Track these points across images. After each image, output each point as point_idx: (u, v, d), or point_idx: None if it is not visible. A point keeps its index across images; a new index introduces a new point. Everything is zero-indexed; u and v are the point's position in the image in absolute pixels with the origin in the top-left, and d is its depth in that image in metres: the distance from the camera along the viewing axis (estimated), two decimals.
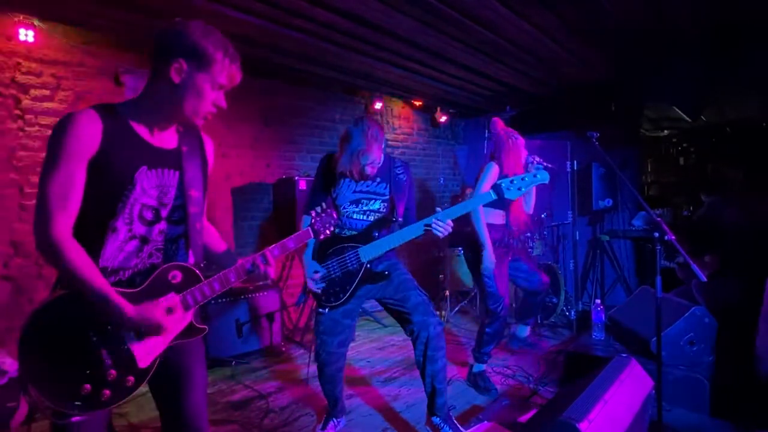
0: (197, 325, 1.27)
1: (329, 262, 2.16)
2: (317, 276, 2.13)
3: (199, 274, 1.26)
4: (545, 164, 2.88)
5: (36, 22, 2.88)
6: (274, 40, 3.33)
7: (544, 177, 2.02)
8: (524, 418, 2.43)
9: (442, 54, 3.77)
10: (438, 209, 2.00)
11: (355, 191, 2.21)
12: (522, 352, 3.56)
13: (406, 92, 5.07)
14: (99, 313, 1.09)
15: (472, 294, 4.76)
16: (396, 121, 5.50)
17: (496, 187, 1.98)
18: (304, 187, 3.96)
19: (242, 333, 3.51)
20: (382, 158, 2.24)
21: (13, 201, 2.92)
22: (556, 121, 5.09)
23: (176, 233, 1.28)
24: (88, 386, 1.08)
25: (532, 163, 2.85)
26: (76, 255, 1.06)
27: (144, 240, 1.21)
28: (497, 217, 2.91)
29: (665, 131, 4.92)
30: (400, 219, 2.21)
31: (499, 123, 2.98)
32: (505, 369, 3.22)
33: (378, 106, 5.04)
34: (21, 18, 2.81)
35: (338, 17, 3.00)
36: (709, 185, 4.19)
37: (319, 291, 2.15)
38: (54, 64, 3.05)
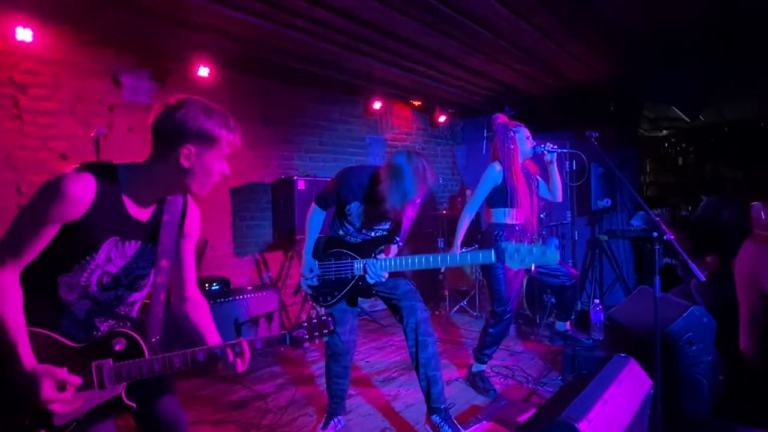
0: (126, 401, 1.19)
1: (327, 263, 2.18)
2: (311, 275, 2.16)
3: (144, 349, 1.20)
4: (558, 149, 2.88)
5: (34, 22, 2.87)
6: (273, 39, 3.32)
7: (552, 258, 1.93)
8: (523, 417, 2.43)
9: (441, 54, 3.77)
10: (453, 250, 2.08)
11: None
12: (529, 348, 3.56)
13: (405, 92, 5.07)
14: (2, 357, 1.07)
15: (471, 293, 4.76)
16: (395, 121, 5.50)
17: (499, 250, 1.95)
18: (303, 187, 3.95)
19: (241, 333, 3.51)
20: None
21: (10, 201, 2.92)
22: (554, 121, 5.09)
23: (134, 298, 1.28)
24: (26, 420, 1.09)
25: (543, 149, 2.82)
26: (11, 303, 1.07)
27: (96, 302, 1.20)
28: (521, 216, 2.82)
29: (664, 131, 4.93)
30: (400, 241, 2.27)
31: (500, 118, 2.90)
32: (504, 369, 3.22)
33: (377, 106, 5.04)
34: (20, 17, 2.80)
35: (337, 17, 2.99)
36: (708, 185, 4.20)
37: (312, 289, 2.18)
38: (52, 63, 3.04)
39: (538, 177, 2.98)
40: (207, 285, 3.38)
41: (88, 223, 1.13)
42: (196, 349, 1.22)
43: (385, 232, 2.26)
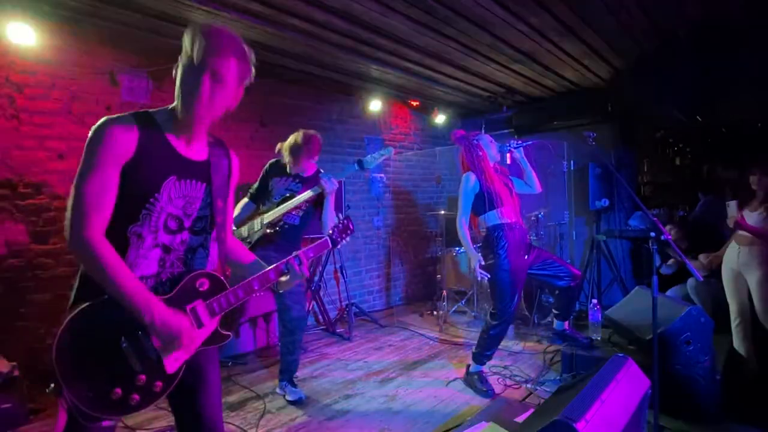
0: (222, 332, 1.29)
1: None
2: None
3: (225, 282, 1.28)
4: (523, 143, 3.03)
5: (31, 21, 2.85)
6: (270, 40, 3.32)
7: (387, 151, 2.58)
8: (521, 417, 2.43)
9: (439, 54, 3.77)
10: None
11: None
12: (527, 348, 3.56)
13: (403, 92, 5.07)
14: (129, 314, 1.10)
15: (470, 294, 4.76)
16: (393, 122, 5.50)
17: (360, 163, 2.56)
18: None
19: (239, 333, 3.50)
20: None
21: (7, 201, 2.90)
22: (552, 121, 5.10)
23: (197, 243, 1.30)
24: (118, 390, 1.11)
25: (509, 146, 2.98)
26: (110, 255, 1.09)
27: (166, 249, 1.22)
28: (510, 213, 2.86)
29: (661, 131, 4.94)
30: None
31: (457, 133, 3.05)
32: (502, 369, 3.23)
33: (375, 106, 5.04)
34: (16, 16, 2.79)
35: (335, 17, 2.99)
36: (705, 185, 4.22)
37: None
38: (49, 63, 3.03)
39: (509, 176, 3.05)
40: None
41: (143, 162, 1.14)
42: (266, 270, 1.36)
43: None
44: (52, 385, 1.07)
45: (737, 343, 2.97)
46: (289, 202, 2.58)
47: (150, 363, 1.16)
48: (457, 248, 4.76)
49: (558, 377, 3.03)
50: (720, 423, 2.39)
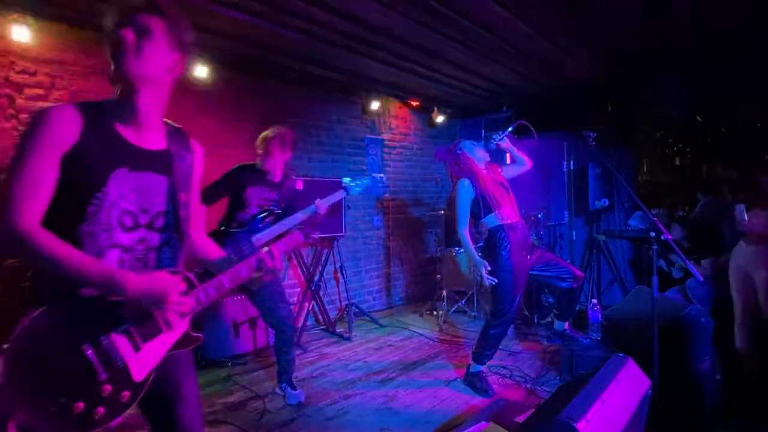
0: (192, 334, 1.22)
1: None
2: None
3: (194, 280, 1.21)
4: (505, 132, 3.02)
5: (31, 21, 2.85)
6: (271, 39, 3.32)
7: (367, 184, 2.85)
8: (521, 417, 2.43)
9: (439, 54, 3.77)
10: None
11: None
12: (527, 348, 3.56)
13: (403, 92, 5.07)
14: (99, 301, 1.03)
15: (470, 294, 4.76)
16: (393, 121, 5.50)
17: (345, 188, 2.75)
18: (301, 188, 3.94)
19: (239, 333, 3.50)
20: None
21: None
22: (552, 121, 5.09)
23: (160, 241, 1.21)
24: (81, 405, 1.01)
25: (494, 141, 2.97)
26: (51, 240, 1.00)
27: (125, 249, 1.14)
28: (509, 213, 2.86)
29: (661, 131, 4.94)
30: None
31: (438, 153, 3.09)
32: (502, 369, 3.23)
33: (375, 106, 5.03)
34: (15, 16, 2.79)
35: (335, 17, 2.99)
36: (704, 185, 4.22)
37: None
38: (49, 63, 3.03)
39: (502, 175, 3.04)
40: None
41: (86, 151, 1.06)
42: (237, 266, 1.27)
43: None
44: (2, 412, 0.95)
45: (739, 342, 2.97)
46: (284, 225, 2.62)
47: (115, 371, 1.06)
48: (456, 248, 4.76)
49: (558, 377, 3.03)
50: (720, 423, 2.39)
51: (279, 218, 2.69)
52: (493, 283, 2.76)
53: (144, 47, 1.10)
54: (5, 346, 0.96)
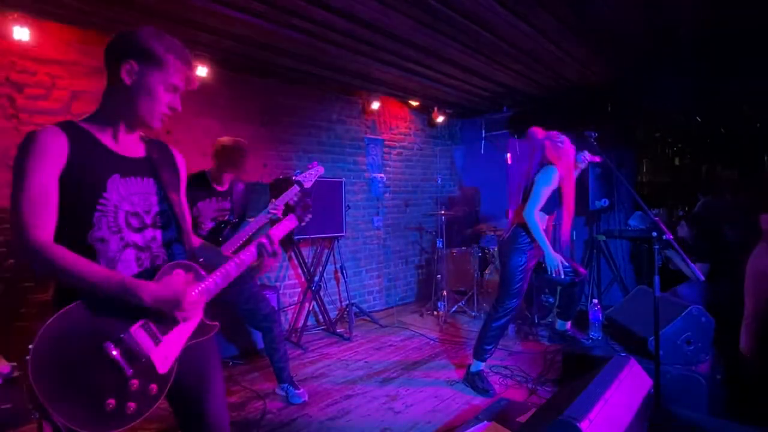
0: (208, 322, 1.26)
1: None
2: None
3: (201, 271, 1.25)
4: (592, 158, 2.99)
5: (31, 21, 2.85)
6: (271, 39, 3.32)
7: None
8: (523, 417, 2.43)
9: (440, 54, 3.77)
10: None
11: None
12: (527, 348, 3.56)
13: (404, 92, 5.06)
14: (117, 300, 1.06)
15: (470, 294, 4.76)
16: (393, 121, 5.50)
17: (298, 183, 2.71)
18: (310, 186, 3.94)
19: (239, 333, 3.49)
20: None
21: (7, 201, 2.89)
22: (552, 121, 5.09)
23: (169, 238, 1.27)
24: (112, 401, 1.03)
25: (582, 159, 2.94)
26: (63, 253, 1.04)
27: (140, 248, 1.19)
28: (566, 221, 2.89)
29: (660, 131, 4.95)
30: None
31: (539, 133, 2.96)
32: (503, 369, 3.23)
33: (375, 106, 5.03)
34: (16, 16, 2.78)
35: (335, 17, 2.99)
36: (704, 185, 4.23)
37: None
38: (49, 62, 3.02)
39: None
40: None
41: (80, 164, 1.11)
42: (240, 254, 1.31)
43: None
44: (37, 414, 0.99)
45: (744, 342, 2.96)
46: (251, 230, 2.62)
47: (140, 365, 1.09)
48: (456, 248, 4.76)
49: (558, 377, 3.03)
50: (721, 423, 2.39)
51: (236, 227, 2.71)
52: (563, 274, 2.79)
53: (164, 101, 1.22)
54: (30, 346, 0.98)
